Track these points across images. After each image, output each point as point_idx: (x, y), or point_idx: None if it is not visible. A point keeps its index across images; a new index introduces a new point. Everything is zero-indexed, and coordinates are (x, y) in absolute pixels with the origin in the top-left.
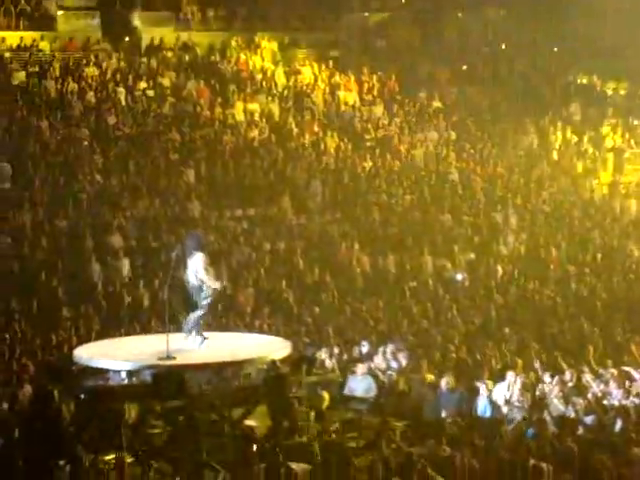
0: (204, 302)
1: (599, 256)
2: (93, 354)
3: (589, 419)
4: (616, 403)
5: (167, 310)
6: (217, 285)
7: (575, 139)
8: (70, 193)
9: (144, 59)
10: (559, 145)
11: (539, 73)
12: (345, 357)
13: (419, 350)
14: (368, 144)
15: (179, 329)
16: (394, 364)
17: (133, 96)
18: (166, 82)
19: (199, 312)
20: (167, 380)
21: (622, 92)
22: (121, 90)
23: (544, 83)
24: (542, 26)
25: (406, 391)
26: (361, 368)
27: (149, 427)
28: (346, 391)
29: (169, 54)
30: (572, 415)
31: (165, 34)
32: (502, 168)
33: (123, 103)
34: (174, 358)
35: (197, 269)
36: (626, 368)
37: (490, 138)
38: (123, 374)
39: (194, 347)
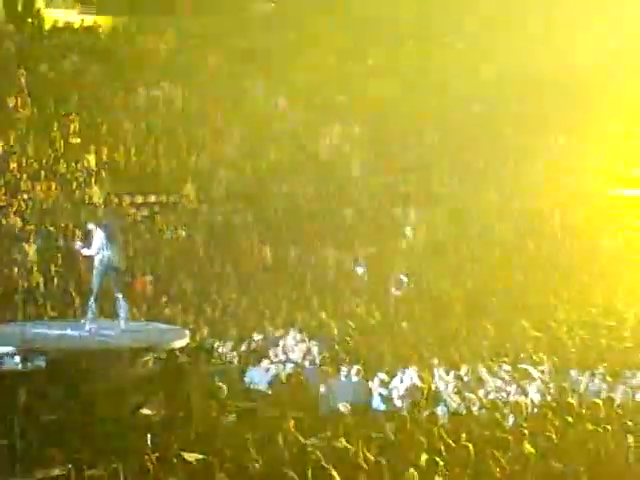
0: (120, 285)
1: (497, 252)
2: None
3: (483, 415)
4: (510, 399)
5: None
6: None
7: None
8: None
9: (46, 41)
10: (463, 142)
11: (447, 67)
12: (244, 348)
13: (317, 342)
14: (272, 134)
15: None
16: (292, 355)
17: (34, 78)
18: (68, 65)
19: (121, 297)
20: (62, 366)
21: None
22: (22, 72)
23: (452, 78)
24: (450, 21)
25: (303, 382)
26: (265, 360)
27: (42, 413)
28: (247, 382)
29: (72, 37)
30: (466, 411)
31: (69, 16)
32: (405, 163)
33: (24, 85)
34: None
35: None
36: (524, 366)
37: (393, 133)
38: (17, 359)
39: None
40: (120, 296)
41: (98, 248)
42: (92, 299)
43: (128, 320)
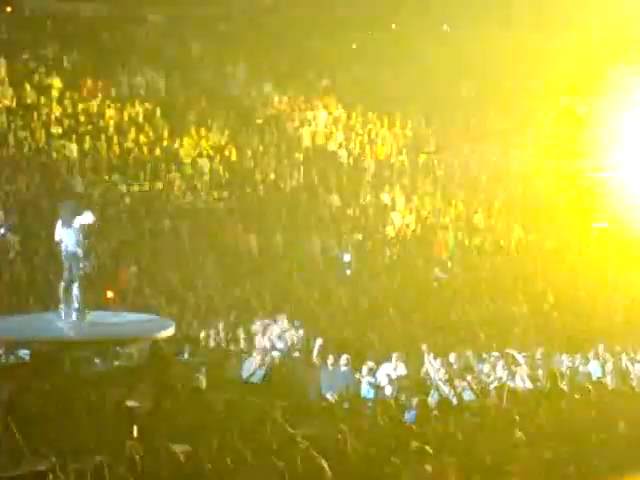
0: (80, 272)
1: (485, 237)
2: None
3: (473, 401)
4: (500, 385)
5: None
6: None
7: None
8: None
9: (26, 29)
10: (447, 127)
11: (431, 53)
12: (230, 338)
13: (305, 330)
14: (256, 122)
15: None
16: (279, 345)
17: (13, 67)
18: (49, 53)
19: (76, 286)
20: (45, 358)
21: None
22: (1, 61)
23: (435, 63)
24: (435, 5)
25: (291, 372)
26: (252, 349)
27: (26, 406)
28: (233, 372)
29: (52, 24)
30: (455, 397)
31: (48, 4)
32: (390, 149)
33: (3, 74)
34: None
35: (79, 238)
36: (510, 351)
37: (379, 118)
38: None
39: (77, 323)
40: (75, 285)
41: (59, 235)
42: (62, 289)
43: (82, 312)
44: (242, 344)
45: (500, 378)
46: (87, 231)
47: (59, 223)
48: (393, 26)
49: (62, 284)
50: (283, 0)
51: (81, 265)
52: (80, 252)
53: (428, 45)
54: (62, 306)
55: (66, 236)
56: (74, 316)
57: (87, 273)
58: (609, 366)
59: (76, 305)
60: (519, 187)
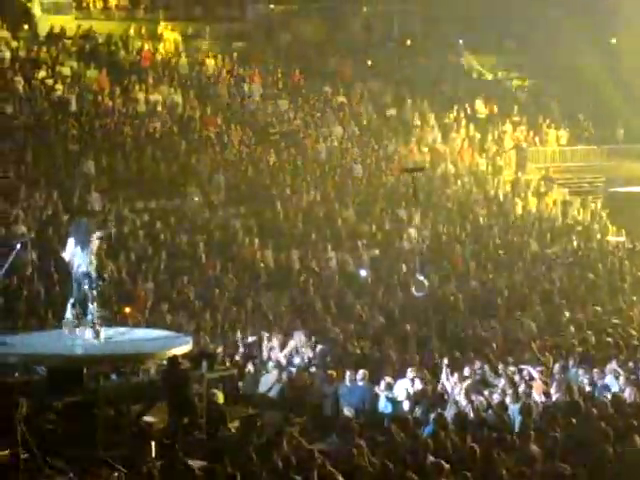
0: (93, 292)
1: (501, 252)
2: None
3: (489, 416)
4: (516, 400)
5: None
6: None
7: (479, 136)
8: None
9: (44, 47)
10: (463, 142)
11: (444, 69)
12: (247, 353)
13: (322, 346)
14: (272, 138)
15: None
16: (296, 360)
17: (31, 85)
18: (66, 71)
19: (90, 302)
20: (63, 375)
21: (526, 89)
22: (19, 79)
23: (449, 79)
24: (447, 21)
25: (308, 387)
26: (269, 364)
27: (45, 423)
28: (251, 387)
29: (69, 43)
30: (472, 412)
31: (66, 22)
32: (406, 164)
33: (21, 92)
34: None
35: (91, 259)
36: (524, 366)
37: (394, 134)
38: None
39: (93, 339)
40: (91, 305)
41: (71, 254)
42: (69, 305)
43: (98, 330)
44: (259, 359)
45: (517, 393)
46: (101, 249)
47: (71, 242)
48: (408, 42)
49: (71, 303)
50: (298, 17)
51: (94, 285)
52: (93, 273)
53: (443, 60)
54: (68, 324)
55: (79, 257)
56: (89, 334)
57: (100, 291)
58: (626, 380)
59: (91, 324)
60: (532, 202)
